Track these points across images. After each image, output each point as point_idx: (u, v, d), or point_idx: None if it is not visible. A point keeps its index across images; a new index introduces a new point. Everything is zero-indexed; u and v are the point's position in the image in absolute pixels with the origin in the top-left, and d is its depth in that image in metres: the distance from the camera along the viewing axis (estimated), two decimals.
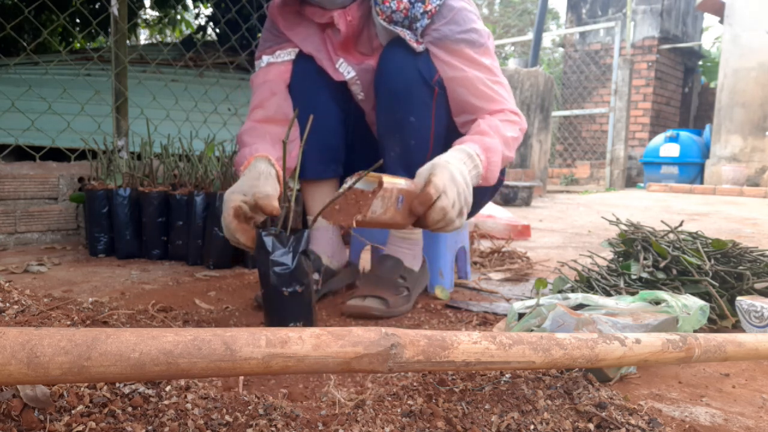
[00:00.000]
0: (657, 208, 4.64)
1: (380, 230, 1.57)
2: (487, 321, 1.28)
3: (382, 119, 1.36)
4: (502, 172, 1.56)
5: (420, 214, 1.12)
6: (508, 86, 1.38)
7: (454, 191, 1.13)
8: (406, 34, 1.29)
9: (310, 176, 1.47)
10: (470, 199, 1.18)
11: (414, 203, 1.12)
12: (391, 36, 1.32)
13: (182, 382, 0.77)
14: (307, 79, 1.41)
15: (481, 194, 1.55)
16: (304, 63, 1.42)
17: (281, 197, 1.15)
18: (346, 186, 1.09)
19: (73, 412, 0.67)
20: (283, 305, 1.05)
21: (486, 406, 0.76)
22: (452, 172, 1.13)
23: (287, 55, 1.43)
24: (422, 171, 1.15)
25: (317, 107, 1.41)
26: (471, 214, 1.66)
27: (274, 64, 1.43)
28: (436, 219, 1.12)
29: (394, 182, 1.10)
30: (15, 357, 0.49)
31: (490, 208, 2.78)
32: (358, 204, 1.08)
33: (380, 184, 1.07)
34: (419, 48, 1.29)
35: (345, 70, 1.39)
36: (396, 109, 1.31)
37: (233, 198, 1.14)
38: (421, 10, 1.27)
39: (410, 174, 1.38)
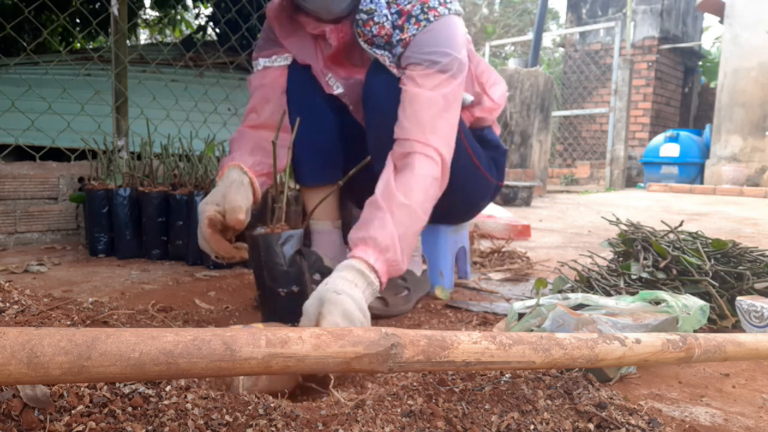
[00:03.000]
0: (657, 208, 4.64)
1: None
2: (487, 321, 1.28)
3: (371, 136, 1.35)
4: (500, 177, 1.55)
5: None
6: (455, 119, 1.24)
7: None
8: (386, 59, 1.26)
9: (307, 182, 1.48)
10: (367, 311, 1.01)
11: None
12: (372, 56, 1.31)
13: (182, 382, 0.77)
14: (303, 84, 1.41)
15: (478, 200, 1.55)
16: (299, 69, 1.41)
17: (257, 205, 1.14)
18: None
19: (73, 412, 0.67)
20: (279, 306, 1.05)
21: (486, 406, 0.76)
22: (344, 306, 0.95)
23: (284, 60, 1.43)
24: (309, 307, 0.99)
25: (313, 112, 1.41)
26: (470, 216, 1.66)
27: (270, 68, 1.43)
28: None
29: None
30: (15, 357, 0.49)
31: (490, 208, 2.78)
32: None
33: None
34: (398, 73, 1.25)
35: (334, 84, 1.39)
36: (384, 128, 1.28)
37: (207, 209, 1.14)
38: (398, 38, 1.23)
39: None
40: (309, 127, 1.40)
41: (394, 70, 1.25)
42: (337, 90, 1.39)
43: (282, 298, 1.04)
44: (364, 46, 1.28)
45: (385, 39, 1.25)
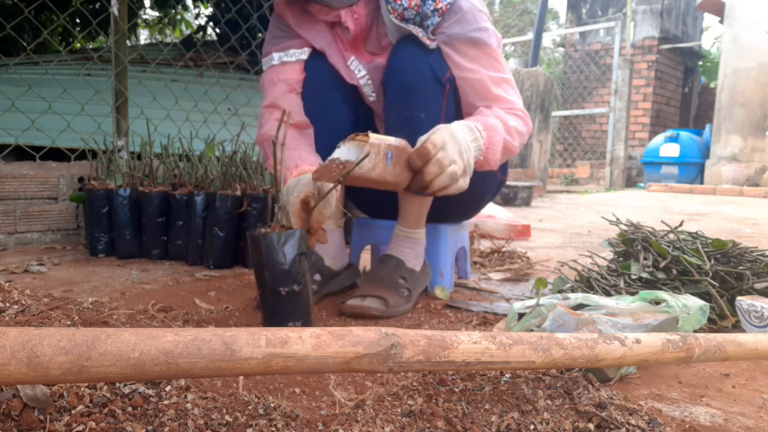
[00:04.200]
0: (657, 208, 4.64)
1: (384, 229, 1.57)
2: (487, 321, 1.28)
3: (391, 115, 1.36)
4: (504, 172, 1.56)
5: (418, 167, 1.11)
6: (514, 84, 1.40)
7: (455, 148, 1.13)
8: (419, 32, 1.29)
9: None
10: (472, 163, 1.18)
11: (412, 157, 1.12)
12: (402, 33, 1.32)
13: (182, 382, 0.77)
14: (320, 80, 1.41)
15: (482, 194, 1.55)
16: (316, 63, 1.41)
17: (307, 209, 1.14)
18: (338, 149, 1.12)
19: (73, 412, 0.67)
20: (280, 305, 1.05)
21: (486, 406, 0.76)
22: (453, 131, 1.14)
23: (301, 53, 1.42)
24: (423, 136, 1.15)
25: (328, 109, 1.41)
26: (471, 214, 1.66)
27: (288, 63, 1.42)
28: (434, 172, 1.11)
29: (382, 138, 1.11)
30: (15, 357, 0.49)
31: (490, 208, 2.78)
32: (345, 165, 1.09)
33: (367, 137, 1.08)
34: (432, 45, 1.29)
35: (356, 68, 1.40)
36: (406, 104, 1.31)
37: (305, 190, 1.12)
38: (432, 8, 1.27)
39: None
40: (324, 122, 1.40)
41: (427, 41, 1.29)
42: (360, 73, 1.40)
43: (283, 297, 1.04)
44: (396, 21, 1.30)
45: (415, 10, 1.29)
